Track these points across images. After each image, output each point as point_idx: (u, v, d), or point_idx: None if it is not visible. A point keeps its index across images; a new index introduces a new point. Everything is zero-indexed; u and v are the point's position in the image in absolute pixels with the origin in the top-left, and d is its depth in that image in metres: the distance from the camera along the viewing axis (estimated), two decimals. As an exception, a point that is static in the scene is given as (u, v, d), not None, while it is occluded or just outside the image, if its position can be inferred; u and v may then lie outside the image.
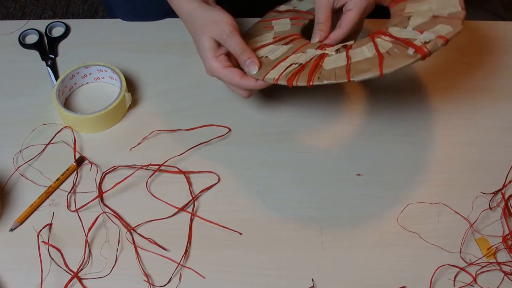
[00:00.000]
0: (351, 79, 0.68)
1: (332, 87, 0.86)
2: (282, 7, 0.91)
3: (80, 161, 0.79)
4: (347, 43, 0.75)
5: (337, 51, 0.74)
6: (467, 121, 0.83)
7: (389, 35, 0.74)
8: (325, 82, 0.70)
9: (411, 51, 0.70)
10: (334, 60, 0.73)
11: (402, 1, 0.80)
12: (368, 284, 0.68)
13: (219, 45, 0.76)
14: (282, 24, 0.85)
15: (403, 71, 0.88)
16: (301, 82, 0.71)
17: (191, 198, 0.75)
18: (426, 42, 0.70)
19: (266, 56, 0.77)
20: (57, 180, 0.77)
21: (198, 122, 0.82)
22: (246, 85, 0.75)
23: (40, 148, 0.80)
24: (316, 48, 0.76)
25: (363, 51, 0.73)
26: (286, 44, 0.80)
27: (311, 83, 0.70)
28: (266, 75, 0.74)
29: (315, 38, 0.78)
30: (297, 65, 0.74)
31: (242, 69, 0.76)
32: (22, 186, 0.77)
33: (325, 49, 0.75)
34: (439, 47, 0.70)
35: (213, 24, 0.75)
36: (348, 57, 0.72)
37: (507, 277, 0.68)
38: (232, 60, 0.77)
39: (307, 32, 0.83)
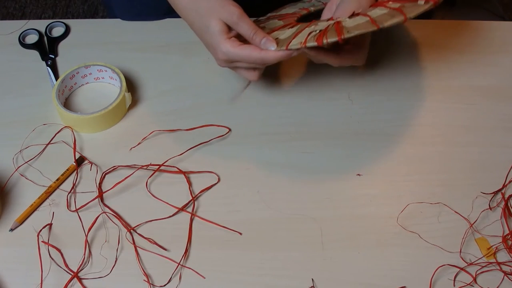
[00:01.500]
0: (380, 26, 0.69)
1: (333, 84, 0.86)
2: (261, 18, 0.90)
3: (80, 161, 0.79)
4: (355, 11, 0.76)
5: (349, 17, 0.74)
6: (467, 121, 0.83)
7: (394, 0, 0.75)
8: (356, 32, 0.70)
9: (421, 2, 0.72)
10: (354, 21, 0.73)
11: None
12: (368, 284, 0.68)
13: (229, 27, 0.74)
14: (272, 23, 0.85)
15: (403, 69, 0.88)
16: (332, 38, 0.70)
17: (191, 198, 0.75)
18: None
19: (277, 38, 0.76)
20: (57, 180, 0.77)
21: (198, 122, 0.82)
22: (267, 57, 0.73)
23: (40, 148, 0.80)
24: (327, 20, 0.76)
25: (376, 11, 0.74)
26: (291, 27, 0.79)
27: (342, 36, 0.70)
28: (289, 44, 0.72)
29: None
30: (317, 31, 0.73)
31: None
32: (22, 186, 0.77)
33: (337, 19, 0.76)
34: None
35: (220, 7, 0.74)
36: (366, 15, 0.73)
37: (507, 277, 0.68)
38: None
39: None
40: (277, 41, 0.75)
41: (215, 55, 0.76)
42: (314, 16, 0.87)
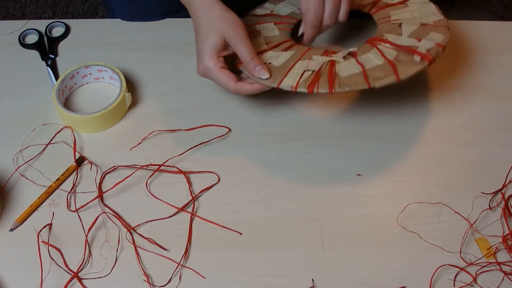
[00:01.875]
0: (372, 86, 0.72)
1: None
2: (259, 11, 0.91)
3: (80, 161, 0.79)
4: (351, 49, 0.78)
5: (344, 58, 0.76)
6: (467, 121, 0.83)
7: (390, 43, 0.78)
8: (347, 89, 0.72)
9: (417, 58, 0.75)
10: (347, 67, 0.75)
11: (382, 8, 0.85)
12: (368, 284, 0.68)
13: (225, 46, 0.76)
14: (268, 29, 0.85)
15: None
16: (323, 89, 0.73)
17: (191, 198, 0.75)
18: (428, 50, 0.75)
19: (270, 63, 0.78)
20: (57, 180, 0.77)
21: (198, 122, 0.82)
22: (241, 90, 0.76)
23: (40, 148, 0.80)
24: (321, 55, 0.78)
25: (371, 59, 0.76)
26: (285, 50, 0.80)
27: (333, 91, 0.72)
28: (280, 82, 0.75)
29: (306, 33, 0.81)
30: (310, 72, 0.75)
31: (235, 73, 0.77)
32: (22, 186, 0.77)
33: (332, 56, 0.77)
34: (440, 54, 0.76)
35: (230, 23, 0.76)
36: (360, 64, 0.75)
37: (507, 277, 0.68)
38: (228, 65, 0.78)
39: (293, 36, 0.85)
40: (270, 67, 0.77)
41: (197, 62, 0.78)
42: None
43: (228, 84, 0.76)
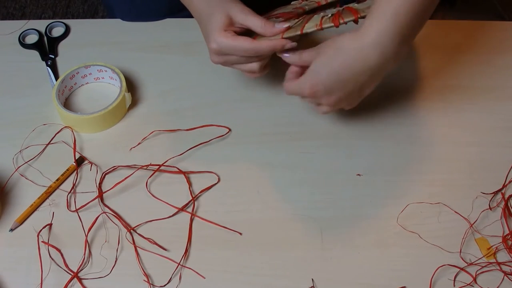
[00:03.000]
0: None
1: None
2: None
3: (80, 161, 0.79)
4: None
5: (357, 2, 0.76)
6: (467, 121, 0.83)
7: None
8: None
9: None
10: (365, 4, 0.74)
11: None
12: (368, 284, 0.68)
13: (231, 23, 0.75)
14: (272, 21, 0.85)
15: (403, 69, 0.88)
16: (348, 17, 0.71)
17: (191, 198, 0.75)
18: None
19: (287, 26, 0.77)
20: (57, 180, 0.77)
21: (198, 122, 0.82)
22: (261, 47, 0.73)
23: (40, 148, 0.80)
24: (335, 7, 0.78)
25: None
26: (296, 18, 0.79)
27: (359, 16, 0.71)
28: (303, 28, 0.73)
29: None
30: (329, 15, 0.74)
31: None
32: (22, 186, 0.77)
33: (346, 5, 0.76)
34: None
35: (232, 3, 0.75)
36: None
37: (507, 277, 0.68)
38: None
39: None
40: (288, 28, 0.75)
41: (208, 45, 0.76)
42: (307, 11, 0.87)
43: (245, 44, 0.73)
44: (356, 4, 0.75)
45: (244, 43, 0.73)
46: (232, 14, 0.74)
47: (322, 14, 0.76)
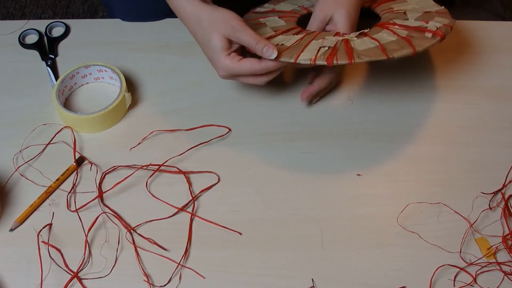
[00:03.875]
0: (390, 57, 0.72)
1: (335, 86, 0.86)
2: (259, 9, 0.91)
3: (80, 161, 0.79)
4: (362, 30, 0.78)
5: (357, 37, 0.77)
6: (467, 121, 0.83)
7: (399, 25, 0.79)
8: (366, 59, 0.72)
9: (429, 34, 0.77)
10: (363, 43, 0.75)
11: (383, 2, 0.87)
12: (368, 284, 0.68)
13: (230, 42, 0.76)
14: (273, 21, 0.85)
15: (403, 69, 0.88)
16: (342, 60, 0.72)
17: (191, 198, 0.75)
18: (437, 28, 0.77)
19: (282, 44, 0.77)
20: (57, 180, 0.77)
21: (198, 122, 0.82)
22: (269, 66, 0.75)
23: (40, 148, 0.80)
24: (334, 35, 0.78)
25: (384, 36, 0.77)
26: (296, 34, 0.80)
27: (353, 61, 0.72)
28: (297, 57, 0.74)
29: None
30: (326, 48, 0.75)
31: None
32: (22, 186, 0.77)
33: (344, 36, 0.77)
34: (449, 32, 0.79)
35: (221, 22, 0.75)
36: (375, 39, 0.76)
37: (507, 277, 0.68)
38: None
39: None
40: (283, 48, 0.76)
41: (216, 69, 0.78)
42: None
43: (253, 67, 0.75)
44: (356, 40, 0.76)
45: (253, 65, 0.75)
46: (226, 35, 0.75)
47: (321, 41, 0.76)
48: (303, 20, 0.88)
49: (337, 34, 0.78)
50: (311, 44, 0.76)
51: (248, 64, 0.75)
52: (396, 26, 0.79)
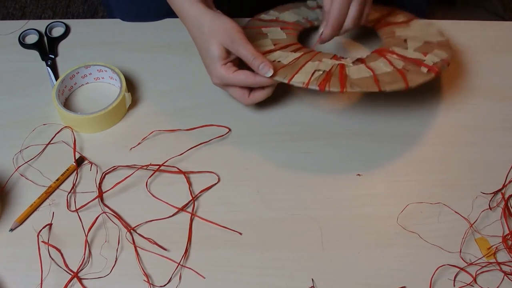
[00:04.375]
0: (382, 90, 0.73)
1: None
2: (264, 17, 0.92)
3: (80, 161, 0.79)
4: (359, 57, 0.80)
5: (353, 63, 0.78)
6: (467, 121, 0.83)
7: (397, 54, 0.81)
8: (358, 89, 0.73)
9: (424, 69, 0.77)
10: (358, 70, 0.76)
11: (387, 26, 0.88)
12: (368, 284, 0.68)
13: (227, 52, 0.76)
14: (275, 33, 0.86)
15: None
16: (334, 88, 0.73)
17: (191, 198, 0.75)
18: (434, 63, 0.78)
19: (279, 61, 0.78)
20: (57, 180, 0.77)
21: (198, 122, 0.82)
22: (262, 81, 0.76)
23: (40, 148, 0.80)
24: (330, 58, 0.79)
25: (380, 66, 0.78)
26: (294, 51, 0.80)
27: (345, 90, 0.73)
28: (291, 78, 0.75)
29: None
30: (321, 72, 0.76)
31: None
32: (22, 186, 0.77)
33: (341, 60, 0.79)
34: (446, 68, 0.80)
35: (222, 31, 0.75)
36: (370, 68, 0.77)
37: (507, 277, 0.68)
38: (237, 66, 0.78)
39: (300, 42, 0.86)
40: (279, 66, 0.77)
41: (210, 76, 0.79)
42: (316, 29, 0.89)
43: (247, 80, 0.76)
44: (351, 66, 0.77)
45: (248, 78, 0.76)
46: (224, 45, 0.76)
47: (317, 63, 0.77)
48: (305, 33, 0.88)
49: (334, 57, 0.79)
50: (306, 65, 0.77)
51: (243, 76, 0.76)
52: (395, 56, 0.80)
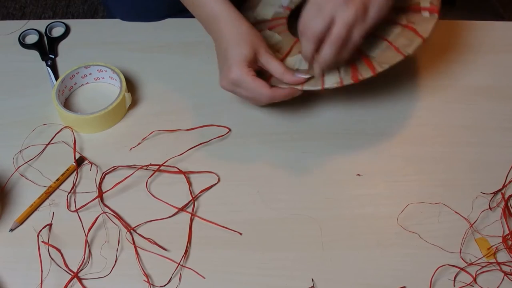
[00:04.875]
0: (406, 55, 0.74)
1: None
2: None
3: (80, 161, 0.79)
4: None
5: (366, 38, 0.76)
6: (467, 121, 0.83)
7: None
8: (387, 66, 0.74)
9: (426, 13, 0.77)
10: (374, 45, 0.76)
11: None
12: (368, 284, 0.68)
13: (254, 60, 0.76)
14: (268, 37, 0.84)
15: (403, 69, 0.88)
16: (366, 73, 0.74)
17: (191, 198, 0.75)
18: (430, 2, 0.78)
19: (297, 68, 0.78)
20: (57, 180, 0.77)
21: (198, 122, 0.82)
22: (276, 95, 0.75)
23: (40, 148, 0.80)
24: None
25: (387, 29, 0.77)
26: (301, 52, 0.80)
27: (376, 72, 0.73)
28: (323, 83, 0.75)
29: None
30: (345, 65, 0.76)
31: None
32: (22, 186, 0.77)
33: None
34: (441, 4, 0.78)
35: (259, 39, 0.76)
36: (382, 37, 0.76)
37: (507, 277, 0.68)
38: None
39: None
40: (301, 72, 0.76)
41: (225, 72, 0.76)
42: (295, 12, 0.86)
43: (263, 90, 0.75)
44: (367, 46, 0.76)
45: (263, 89, 0.75)
46: (256, 52, 0.75)
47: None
48: (289, 21, 0.87)
49: None
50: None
51: (259, 84, 0.75)
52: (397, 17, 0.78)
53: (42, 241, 0.71)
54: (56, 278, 0.68)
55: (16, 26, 0.96)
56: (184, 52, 0.91)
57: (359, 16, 0.69)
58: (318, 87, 0.75)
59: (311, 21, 0.71)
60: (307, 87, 0.75)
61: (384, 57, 0.75)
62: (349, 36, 0.70)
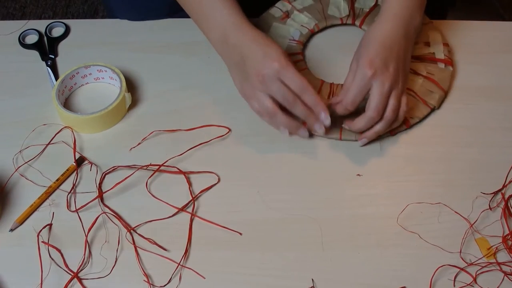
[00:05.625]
0: (432, 107, 0.82)
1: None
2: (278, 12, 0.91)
3: (80, 161, 0.79)
4: None
5: None
6: (467, 121, 0.83)
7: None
8: (417, 120, 0.81)
9: (441, 65, 0.84)
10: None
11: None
12: (368, 284, 0.68)
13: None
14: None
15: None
16: (400, 128, 0.80)
17: (191, 198, 0.75)
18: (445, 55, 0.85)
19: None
20: (57, 180, 0.77)
21: (198, 122, 0.82)
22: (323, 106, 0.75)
23: (40, 148, 0.80)
24: None
25: (413, 79, 0.84)
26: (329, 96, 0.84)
27: (410, 125, 0.81)
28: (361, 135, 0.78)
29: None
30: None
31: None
32: (22, 186, 0.77)
33: None
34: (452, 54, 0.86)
35: (285, 56, 0.75)
36: (410, 89, 0.83)
37: (507, 277, 0.68)
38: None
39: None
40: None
41: (260, 67, 0.74)
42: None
43: (306, 83, 0.73)
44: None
45: (305, 80, 0.73)
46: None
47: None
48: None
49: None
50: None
51: (307, 83, 0.74)
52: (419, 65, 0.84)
53: (42, 241, 0.71)
54: (56, 278, 0.68)
55: (16, 26, 0.96)
56: (184, 52, 0.91)
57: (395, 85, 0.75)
58: (357, 139, 0.78)
59: (377, 102, 0.74)
60: (345, 137, 0.80)
61: (414, 110, 0.81)
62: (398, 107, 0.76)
